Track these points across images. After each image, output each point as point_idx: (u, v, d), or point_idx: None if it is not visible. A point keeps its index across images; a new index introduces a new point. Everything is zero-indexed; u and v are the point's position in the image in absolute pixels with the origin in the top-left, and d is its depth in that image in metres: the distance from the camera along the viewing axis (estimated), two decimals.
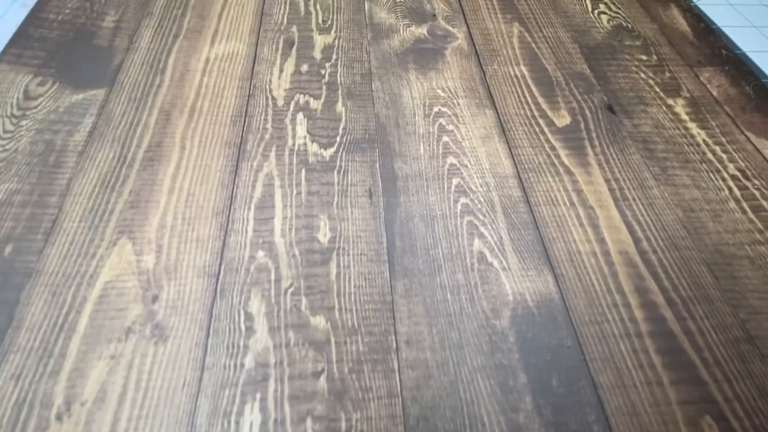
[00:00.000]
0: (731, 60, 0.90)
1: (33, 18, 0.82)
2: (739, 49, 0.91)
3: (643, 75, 0.84)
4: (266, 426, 0.44)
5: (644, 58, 0.87)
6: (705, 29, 0.96)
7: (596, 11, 0.97)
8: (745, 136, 0.76)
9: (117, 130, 0.67)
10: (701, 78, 0.85)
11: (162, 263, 0.54)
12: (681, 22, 0.97)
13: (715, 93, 0.82)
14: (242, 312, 0.51)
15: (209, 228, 0.57)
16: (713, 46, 0.92)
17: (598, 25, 0.93)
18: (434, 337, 0.50)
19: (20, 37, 0.79)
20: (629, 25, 0.94)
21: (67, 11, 0.84)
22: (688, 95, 0.81)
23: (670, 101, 0.80)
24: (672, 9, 1.00)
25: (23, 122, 0.67)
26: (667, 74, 0.85)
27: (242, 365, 0.47)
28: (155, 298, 0.51)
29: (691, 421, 0.47)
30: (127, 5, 0.87)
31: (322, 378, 0.46)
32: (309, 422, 0.44)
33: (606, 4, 0.99)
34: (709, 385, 0.49)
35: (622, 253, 0.59)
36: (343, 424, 0.44)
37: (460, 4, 0.95)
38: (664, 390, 0.48)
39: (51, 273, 0.53)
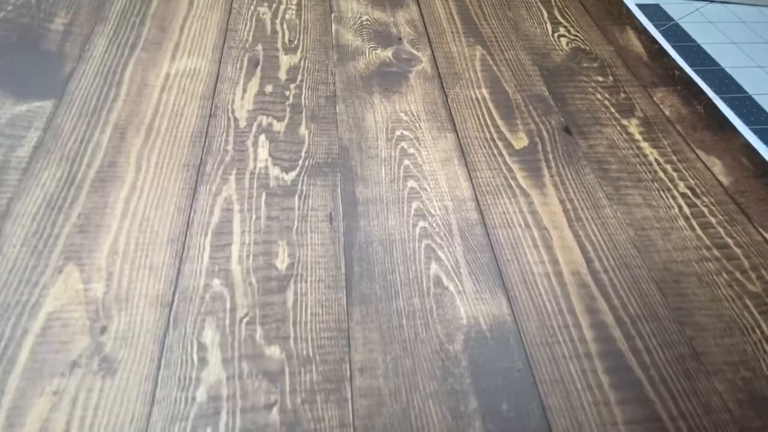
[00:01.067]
0: (683, 80, 0.94)
1: None
2: (686, 69, 0.95)
3: (599, 96, 0.87)
4: None
5: (600, 79, 0.91)
6: (659, 51, 1.00)
7: (556, 34, 1.00)
8: (696, 154, 0.79)
9: (66, 147, 0.65)
10: (654, 98, 0.88)
11: (112, 292, 0.53)
12: (636, 44, 1.01)
13: (667, 112, 0.86)
14: (195, 342, 0.50)
15: (164, 255, 0.57)
16: (666, 67, 0.96)
17: (557, 47, 0.97)
18: (388, 365, 0.50)
19: None
20: (587, 48, 0.98)
21: (10, 8, 0.79)
22: (641, 115, 0.85)
23: (624, 121, 0.83)
24: (628, 31, 1.04)
25: None
26: (622, 95, 0.88)
27: (194, 398, 0.46)
28: (104, 330, 0.50)
29: None
30: (79, 6, 0.83)
31: (275, 410, 0.46)
32: None
33: (566, 27, 1.02)
34: (655, 404, 0.51)
35: (574, 274, 0.60)
36: None
37: (425, 28, 0.97)
38: (611, 410, 0.50)
39: None
